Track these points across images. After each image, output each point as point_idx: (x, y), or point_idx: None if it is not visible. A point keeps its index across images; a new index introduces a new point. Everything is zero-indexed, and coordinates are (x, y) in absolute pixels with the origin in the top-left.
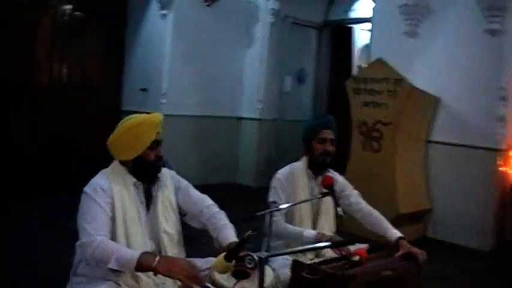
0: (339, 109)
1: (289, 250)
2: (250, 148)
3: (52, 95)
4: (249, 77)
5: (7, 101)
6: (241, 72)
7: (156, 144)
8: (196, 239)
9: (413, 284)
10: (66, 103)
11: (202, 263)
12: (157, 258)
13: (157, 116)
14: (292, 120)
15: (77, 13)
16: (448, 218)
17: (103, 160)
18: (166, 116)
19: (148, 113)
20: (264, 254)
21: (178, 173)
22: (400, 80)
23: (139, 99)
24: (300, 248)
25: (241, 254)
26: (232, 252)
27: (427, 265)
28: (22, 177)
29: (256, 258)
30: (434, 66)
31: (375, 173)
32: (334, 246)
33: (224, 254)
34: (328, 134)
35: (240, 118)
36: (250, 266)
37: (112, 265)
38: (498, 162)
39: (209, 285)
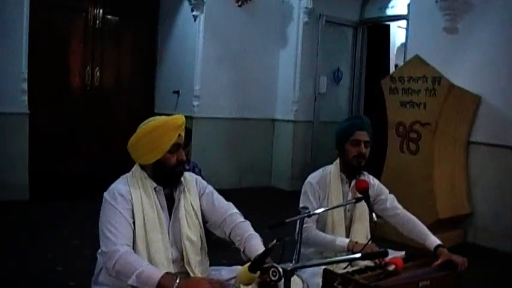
0: (376, 110)
1: (317, 262)
2: (285, 151)
3: (85, 98)
4: (283, 78)
5: (41, 103)
6: (275, 73)
7: (177, 147)
8: (224, 244)
9: None
10: (99, 106)
11: (227, 271)
12: (177, 281)
13: (179, 118)
14: (328, 122)
15: (109, 16)
16: (489, 223)
17: (134, 164)
18: (199, 118)
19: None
20: (289, 266)
21: (212, 175)
22: (439, 78)
23: (172, 102)
24: (328, 260)
25: (266, 264)
26: (257, 262)
27: (468, 272)
28: (53, 178)
29: (280, 270)
30: (474, 63)
31: (412, 176)
32: (365, 258)
33: (248, 264)
34: (363, 136)
35: (274, 120)
36: (274, 278)
37: (132, 281)
38: None
39: None
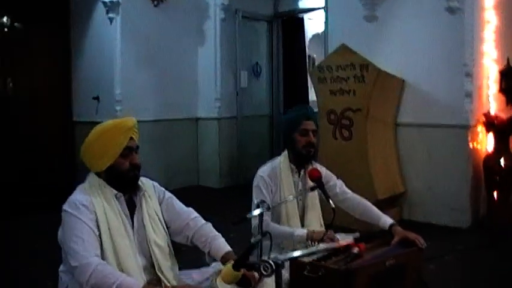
0: (295, 100)
1: (306, 251)
2: (211, 148)
3: None
4: (204, 76)
5: None
6: (195, 71)
7: (129, 151)
8: (185, 251)
9: (415, 270)
10: (14, 117)
11: (197, 274)
12: None
13: (128, 121)
14: (251, 116)
15: (17, 24)
16: (423, 199)
17: (57, 174)
18: None
19: (102, 122)
20: (279, 259)
21: None
22: (366, 65)
23: (92, 109)
24: (317, 248)
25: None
26: (240, 260)
27: None
28: None
29: (273, 264)
30: (396, 48)
31: (348, 161)
32: (356, 242)
33: (232, 263)
34: (310, 125)
35: (198, 119)
36: (266, 273)
37: None
38: (468, 139)
39: None
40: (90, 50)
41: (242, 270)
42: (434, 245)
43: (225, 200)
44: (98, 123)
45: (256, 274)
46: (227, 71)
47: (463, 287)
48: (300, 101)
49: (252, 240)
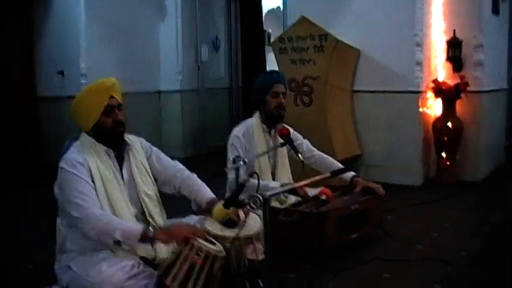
0: (252, 73)
1: (287, 187)
2: (174, 120)
3: None
4: (166, 50)
5: None
6: (157, 46)
7: (110, 109)
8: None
9: (376, 215)
10: None
11: (185, 221)
12: (153, 230)
13: (107, 81)
14: (212, 88)
15: None
16: (378, 160)
17: (21, 151)
18: None
19: (69, 96)
20: (266, 194)
21: None
22: (325, 36)
23: (57, 83)
24: (301, 183)
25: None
26: (231, 199)
27: None
28: None
29: (261, 198)
30: (352, 20)
31: (309, 126)
32: (334, 175)
33: (223, 202)
34: (281, 88)
35: (161, 92)
36: (255, 206)
37: (118, 236)
38: (418, 104)
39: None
40: (54, 24)
41: (231, 209)
42: (391, 200)
43: (188, 168)
44: (63, 98)
45: (241, 213)
46: (188, 45)
47: (416, 233)
48: (256, 73)
49: (241, 181)
